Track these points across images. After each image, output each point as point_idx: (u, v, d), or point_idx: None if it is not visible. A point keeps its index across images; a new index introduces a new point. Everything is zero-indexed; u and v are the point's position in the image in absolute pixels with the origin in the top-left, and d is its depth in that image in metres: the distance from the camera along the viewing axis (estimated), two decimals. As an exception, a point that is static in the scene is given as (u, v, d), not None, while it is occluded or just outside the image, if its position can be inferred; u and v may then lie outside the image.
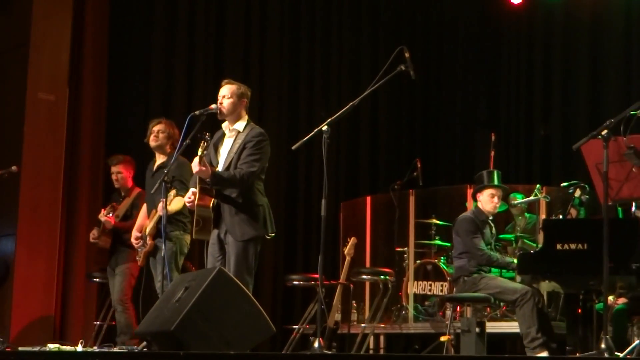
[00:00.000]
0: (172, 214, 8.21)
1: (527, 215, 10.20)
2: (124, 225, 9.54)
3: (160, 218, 8.09)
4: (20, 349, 8.36)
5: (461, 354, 8.34)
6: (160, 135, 8.63)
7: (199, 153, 7.03)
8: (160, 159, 8.59)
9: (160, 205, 7.84)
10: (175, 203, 7.96)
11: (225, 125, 7.41)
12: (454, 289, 8.89)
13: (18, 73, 11.16)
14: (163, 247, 7.77)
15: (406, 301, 10.49)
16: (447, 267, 10.28)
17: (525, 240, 9.89)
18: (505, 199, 9.65)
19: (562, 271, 7.10)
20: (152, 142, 8.68)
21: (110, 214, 9.56)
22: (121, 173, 9.74)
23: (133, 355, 6.15)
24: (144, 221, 8.71)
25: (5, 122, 11.35)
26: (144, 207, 8.86)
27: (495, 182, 8.72)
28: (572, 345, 7.43)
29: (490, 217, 8.76)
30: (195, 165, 7.03)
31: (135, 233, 8.72)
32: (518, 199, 9.92)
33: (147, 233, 8.55)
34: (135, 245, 8.72)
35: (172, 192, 7.64)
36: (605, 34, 12.27)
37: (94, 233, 9.66)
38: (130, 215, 9.63)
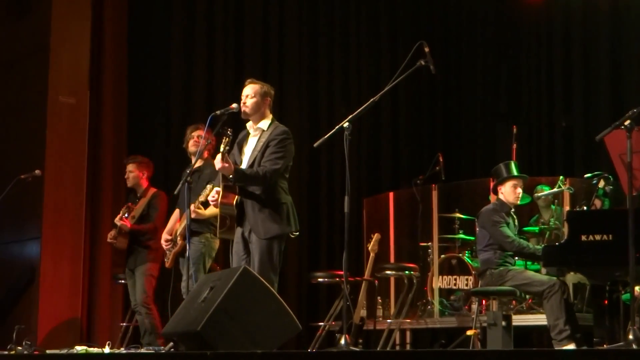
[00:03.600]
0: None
1: (553, 207, 10.13)
2: (140, 227, 9.60)
3: (191, 220, 8.16)
4: (48, 351, 8.41)
5: (488, 348, 8.32)
6: (198, 139, 8.68)
7: (221, 149, 7.03)
8: (197, 163, 8.59)
9: (192, 207, 7.92)
10: (212, 208, 7.97)
11: (249, 125, 7.41)
12: (480, 282, 8.87)
13: (39, 77, 11.20)
14: (187, 247, 7.77)
15: (431, 296, 10.48)
16: (472, 261, 10.26)
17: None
18: (530, 191, 9.61)
19: (588, 263, 7.07)
20: (193, 147, 8.75)
21: (126, 216, 9.60)
22: (132, 172, 9.84)
23: (160, 356, 6.17)
24: (175, 225, 8.75)
25: (27, 126, 11.40)
26: (176, 211, 8.89)
27: (516, 173, 8.69)
28: (599, 337, 7.39)
29: (513, 209, 8.73)
30: (218, 162, 7.02)
31: (165, 236, 8.76)
32: (545, 191, 9.87)
33: (178, 233, 8.59)
34: (165, 247, 8.75)
35: (209, 186, 7.64)
36: (625, 23, 12.21)
37: (112, 234, 9.70)
38: (146, 216, 9.68)
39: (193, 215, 8.05)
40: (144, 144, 11.68)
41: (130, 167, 9.90)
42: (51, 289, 10.77)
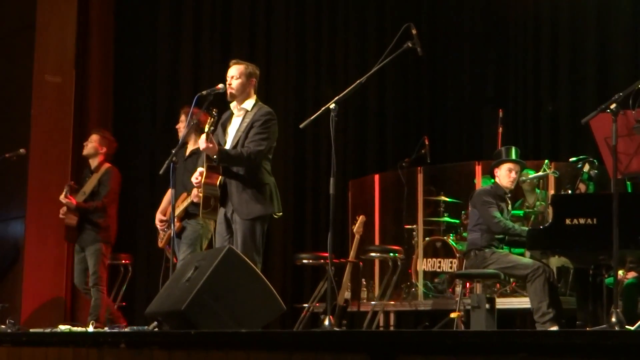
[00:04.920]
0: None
1: (537, 191, 10.15)
2: (88, 205, 9.53)
3: (191, 202, 8.13)
4: (31, 330, 8.39)
5: (471, 330, 8.34)
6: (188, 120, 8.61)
7: (206, 129, 7.02)
8: (192, 144, 8.56)
9: (195, 192, 7.89)
10: None
11: (233, 105, 7.39)
12: (464, 263, 8.89)
13: (24, 55, 11.17)
14: (172, 228, 7.75)
15: (416, 278, 10.50)
16: (456, 244, 10.28)
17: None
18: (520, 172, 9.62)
19: (572, 246, 7.08)
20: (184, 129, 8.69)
21: (69, 194, 9.50)
22: (92, 143, 9.75)
23: (145, 335, 6.17)
24: (168, 205, 8.69)
25: (13, 105, 11.38)
26: (169, 191, 8.84)
27: (513, 157, 8.70)
28: (582, 320, 7.43)
29: (508, 194, 8.72)
30: (202, 142, 7.01)
31: (159, 216, 8.72)
32: (530, 174, 9.88)
33: (175, 215, 8.56)
34: (159, 228, 8.72)
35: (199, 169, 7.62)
36: (613, 7, 12.20)
37: (63, 210, 9.62)
38: (97, 192, 9.60)
39: (196, 200, 8.02)
40: (130, 124, 11.67)
41: (93, 137, 9.79)
42: (35, 268, 10.76)
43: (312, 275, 11.89)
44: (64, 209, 9.58)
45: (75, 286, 9.77)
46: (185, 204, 8.38)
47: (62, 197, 9.52)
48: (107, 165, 9.72)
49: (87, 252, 9.52)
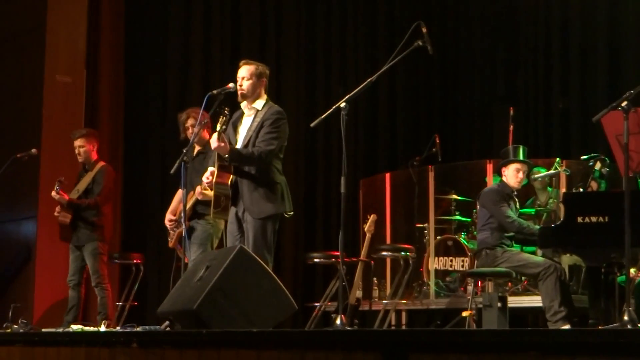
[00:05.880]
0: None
1: (549, 189, 10.13)
2: (80, 202, 9.49)
3: (197, 200, 8.13)
4: (43, 330, 8.41)
5: (483, 328, 8.32)
6: (193, 128, 8.53)
7: (218, 128, 7.02)
8: (199, 146, 8.55)
9: (198, 189, 7.88)
10: None
11: (244, 105, 7.39)
12: (476, 262, 8.88)
13: (35, 55, 11.19)
14: (184, 227, 7.75)
15: (427, 277, 10.49)
16: (468, 243, 10.26)
17: None
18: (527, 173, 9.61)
19: (584, 244, 7.06)
20: (190, 136, 8.65)
21: (60, 189, 9.46)
22: (83, 147, 9.69)
23: (157, 334, 6.17)
24: (178, 204, 8.69)
25: (24, 105, 11.40)
26: (179, 192, 8.83)
27: (521, 157, 8.68)
28: (595, 318, 7.40)
29: (515, 193, 8.72)
30: (214, 141, 7.01)
31: (169, 215, 8.71)
32: (541, 172, 9.86)
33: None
34: (169, 227, 8.72)
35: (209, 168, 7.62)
36: (624, 4, 12.18)
37: (58, 208, 9.58)
38: (91, 190, 9.58)
39: (200, 197, 8.02)
40: (140, 123, 11.67)
41: (79, 142, 9.71)
42: (47, 268, 10.78)
43: (323, 274, 11.89)
44: (59, 207, 9.55)
45: (68, 283, 9.70)
46: (191, 202, 8.38)
47: (53, 193, 9.47)
48: (101, 163, 9.72)
49: (84, 252, 9.50)
